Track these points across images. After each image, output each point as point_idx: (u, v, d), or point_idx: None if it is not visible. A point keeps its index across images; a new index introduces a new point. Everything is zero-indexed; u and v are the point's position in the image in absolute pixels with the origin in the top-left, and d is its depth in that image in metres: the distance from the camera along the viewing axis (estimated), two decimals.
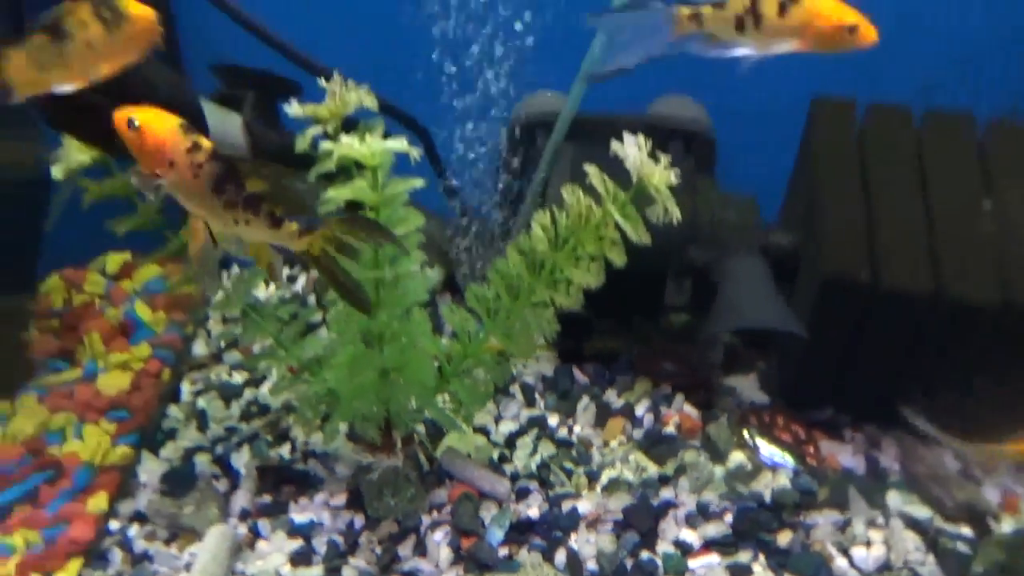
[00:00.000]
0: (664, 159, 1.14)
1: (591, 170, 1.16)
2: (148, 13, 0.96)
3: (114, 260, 1.80)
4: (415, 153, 1.14)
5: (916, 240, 1.32)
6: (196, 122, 1.11)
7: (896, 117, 1.46)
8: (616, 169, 1.14)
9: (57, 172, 1.15)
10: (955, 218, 1.34)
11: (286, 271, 1.90)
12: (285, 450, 1.42)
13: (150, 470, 1.39)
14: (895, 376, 1.39)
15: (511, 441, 1.44)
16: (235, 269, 1.89)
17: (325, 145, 1.14)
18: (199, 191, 0.96)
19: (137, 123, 0.93)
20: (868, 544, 1.29)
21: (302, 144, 1.21)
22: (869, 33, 1.16)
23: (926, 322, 1.33)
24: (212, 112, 1.17)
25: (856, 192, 1.38)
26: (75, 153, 1.15)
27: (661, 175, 1.12)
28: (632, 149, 1.14)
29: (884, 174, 1.39)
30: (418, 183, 1.16)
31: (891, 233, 1.33)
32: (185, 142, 0.94)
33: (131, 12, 0.95)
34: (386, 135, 1.24)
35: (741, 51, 1.17)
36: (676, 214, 1.12)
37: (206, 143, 0.95)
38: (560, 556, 1.25)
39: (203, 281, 1.03)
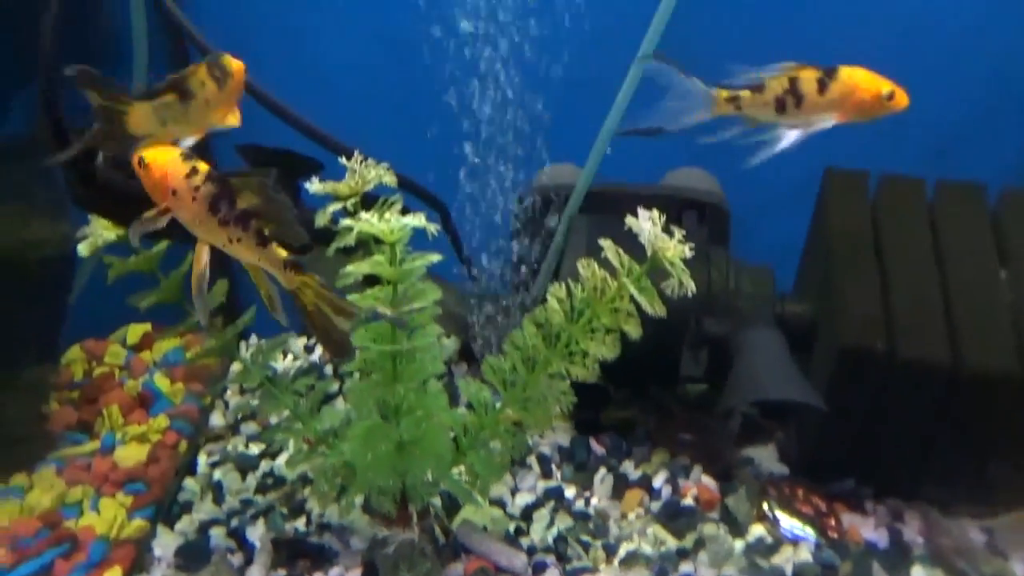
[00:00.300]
0: (678, 233, 1.15)
1: (606, 244, 1.18)
2: (242, 66, 1.05)
3: (135, 331, 1.83)
4: (432, 229, 1.16)
5: (933, 310, 1.33)
6: None
7: (909, 187, 1.48)
8: (631, 241, 1.16)
9: (83, 249, 1.18)
10: (971, 288, 1.34)
11: (303, 341, 1.92)
12: (300, 523, 1.42)
13: (165, 544, 1.38)
14: (917, 447, 1.38)
15: (528, 513, 1.43)
16: (253, 339, 1.92)
17: (345, 221, 1.16)
18: (199, 213, 1.00)
19: (145, 161, 1.01)
20: None
21: (322, 220, 1.24)
22: (902, 98, 1.19)
23: (946, 392, 1.32)
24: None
25: (871, 263, 1.39)
26: (101, 231, 1.18)
27: (675, 249, 1.13)
28: (646, 223, 1.15)
29: (899, 244, 1.40)
30: (435, 258, 1.18)
31: (908, 303, 1.34)
32: (184, 168, 1.00)
33: (233, 68, 1.04)
34: (404, 210, 1.27)
35: (783, 133, 1.20)
36: (691, 287, 1.13)
37: (202, 166, 1.01)
38: None
39: (199, 308, 1.06)
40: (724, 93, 1.21)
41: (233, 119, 1.07)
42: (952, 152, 1.71)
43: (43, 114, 0.91)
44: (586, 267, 1.20)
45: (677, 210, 1.65)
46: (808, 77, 1.21)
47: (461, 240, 1.68)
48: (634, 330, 1.17)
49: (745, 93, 1.20)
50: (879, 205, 1.46)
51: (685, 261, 1.13)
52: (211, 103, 1.04)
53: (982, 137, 1.71)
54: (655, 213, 1.17)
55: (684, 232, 1.16)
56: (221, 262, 1.93)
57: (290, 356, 1.85)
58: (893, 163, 1.51)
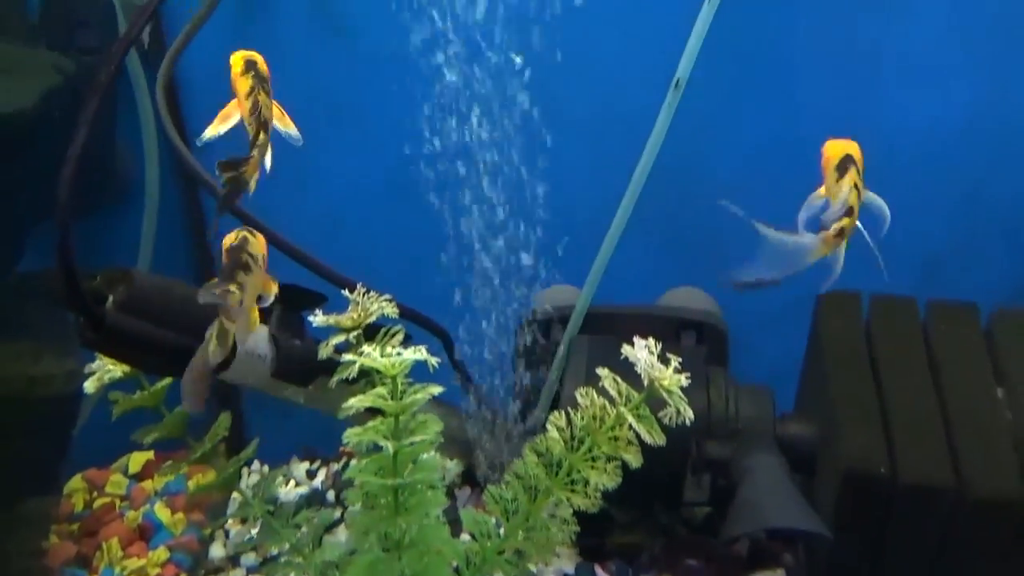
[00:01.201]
0: (674, 360, 1.17)
1: (603, 372, 1.19)
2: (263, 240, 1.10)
3: (136, 460, 1.83)
4: (433, 362, 1.18)
5: (934, 433, 1.33)
6: None
7: (901, 307, 1.50)
8: (630, 364, 1.17)
9: (89, 386, 1.20)
10: (971, 408, 1.35)
11: (306, 465, 1.91)
12: None
13: None
14: (925, 570, 1.35)
15: None
16: (255, 465, 1.92)
17: (347, 356, 1.18)
18: None
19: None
20: None
21: (325, 352, 1.26)
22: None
23: (950, 513, 1.30)
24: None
25: (869, 385, 1.39)
26: (108, 367, 1.20)
27: (672, 379, 1.15)
28: (642, 352, 1.17)
29: (895, 365, 1.41)
30: (436, 390, 1.20)
31: (908, 426, 1.34)
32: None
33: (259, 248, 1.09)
34: (407, 337, 1.30)
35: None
36: (689, 415, 1.14)
37: None
38: None
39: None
40: (832, 230, 1.21)
41: (271, 288, 1.11)
42: (939, 272, 1.75)
43: (56, 261, 0.94)
44: (585, 395, 1.21)
45: (675, 330, 1.68)
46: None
47: (464, 364, 1.70)
48: (634, 459, 1.17)
49: (846, 221, 1.21)
50: (873, 326, 1.48)
51: (683, 386, 1.15)
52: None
53: (968, 257, 1.75)
54: (651, 341, 1.19)
55: (683, 352, 1.18)
56: (224, 394, 1.95)
57: (292, 482, 1.84)
58: (881, 283, 1.55)
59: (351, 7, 1.72)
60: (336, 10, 1.73)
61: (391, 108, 1.73)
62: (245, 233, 1.09)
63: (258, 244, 1.10)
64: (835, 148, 1.29)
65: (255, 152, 1.05)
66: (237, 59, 1.14)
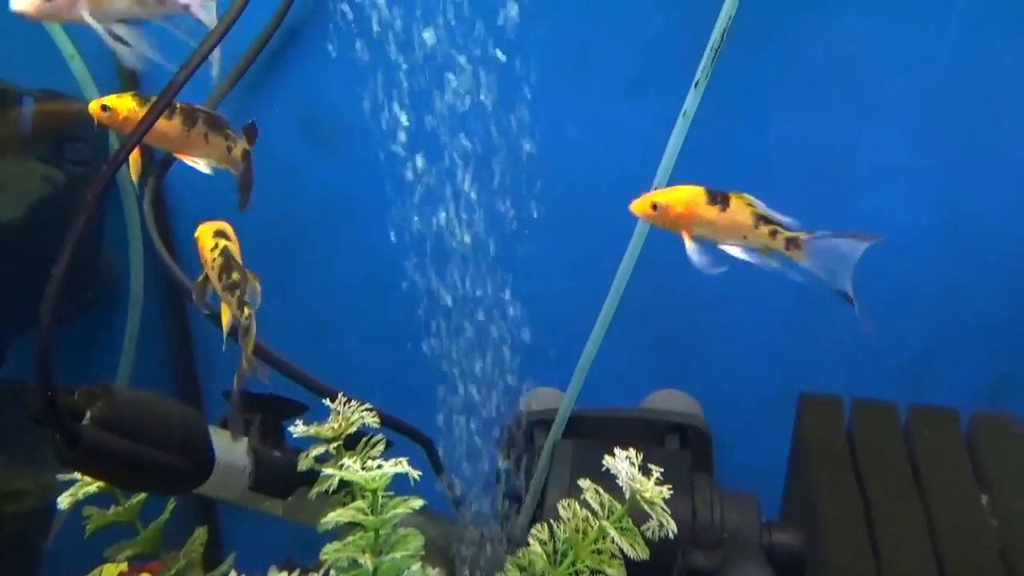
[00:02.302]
0: (656, 472, 1.16)
1: (585, 484, 1.19)
2: None
3: (109, 572, 1.77)
4: (414, 474, 1.18)
5: (920, 542, 1.31)
6: (203, 450, 1.16)
7: (882, 412, 1.51)
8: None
9: (63, 502, 1.18)
10: (956, 516, 1.34)
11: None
12: None
13: None
14: None
15: None
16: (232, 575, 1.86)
17: (327, 470, 1.17)
18: None
19: None
20: None
21: (304, 464, 1.25)
22: None
23: None
24: (219, 437, 1.22)
25: (853, 492, 1.39)
26: (83, 484, 1.19)
27: (654, 490, 1.14)
28: (623, 464, 1.17)
29: (879, 472, 1.41)
30: (418, 503, 1.19)
31: (894, 536, 1.33)
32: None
33: None
34: (388, 443, 1.29)
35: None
36: (672, 528, 1.13)
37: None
38: None
39: None
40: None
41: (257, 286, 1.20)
42: (918, 375, 1.77)
43: (37, 379, 0.94)
44: (567, 507, 1.20)
45: (660, 434, 1.67)
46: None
47: (447, 472, 1.68)
48: (618, 573, 1.15)
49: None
50: (856, 431, 1.48)
51: (668, 496, 1.14)
52: None
53: (946, 360, 1.77)
54: (632, 452, 1.18)
55: (668, 458, 1.17)
56: (204, 509, 1.92)
57: None
58: (862, 386, 1.56)
59: (336, 118, 1.77)
60: (323, 120, 1.78)
61: (374, 211, 1.76)
62: (223, 242, 1.13)
63: (234, 243, 1.15)
64: None
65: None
66: (204, 231, 1.23)
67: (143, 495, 1.24)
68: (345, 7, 1.55)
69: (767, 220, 1.18)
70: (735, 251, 1.20)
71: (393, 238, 1.64)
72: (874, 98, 1.64)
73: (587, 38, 1.67)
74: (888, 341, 1.75)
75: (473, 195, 1.61)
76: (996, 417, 1.48)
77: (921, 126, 1.65)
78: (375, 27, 1.47)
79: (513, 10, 1.50)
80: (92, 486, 1.19)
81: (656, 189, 1.48)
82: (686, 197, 1.19)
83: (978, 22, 1.58)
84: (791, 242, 1.18)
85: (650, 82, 1.67)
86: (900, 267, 1.73)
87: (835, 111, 1.68)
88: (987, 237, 1.71)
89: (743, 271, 1.79)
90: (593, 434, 1.61)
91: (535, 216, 1.59)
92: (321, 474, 1.20)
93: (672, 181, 1.47)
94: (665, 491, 1.15)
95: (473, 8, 1.50)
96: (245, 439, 1.27)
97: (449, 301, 1.68)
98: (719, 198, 1.19)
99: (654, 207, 1.19)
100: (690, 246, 1.20)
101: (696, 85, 1.43)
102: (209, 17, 1.18)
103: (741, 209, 1.19)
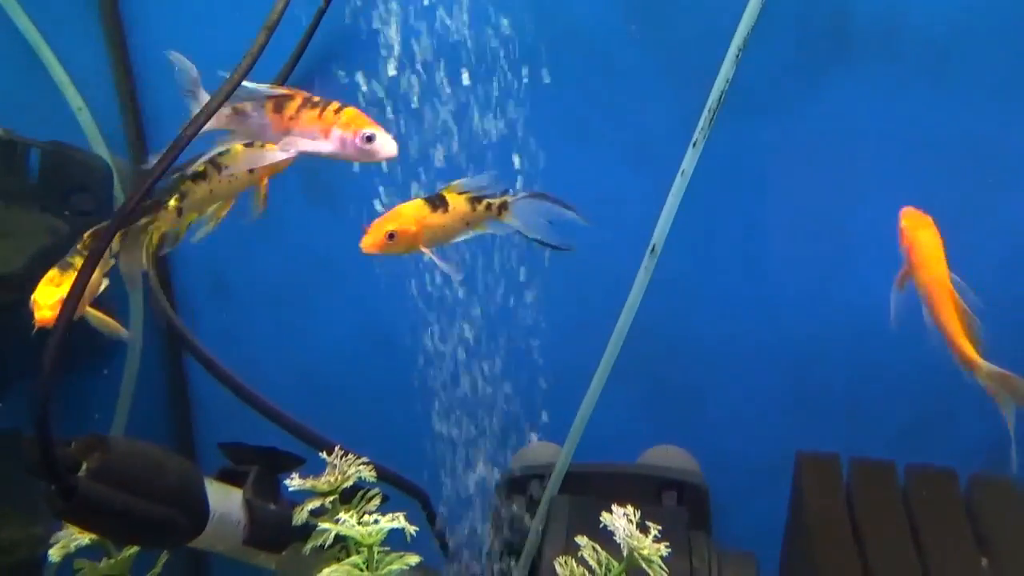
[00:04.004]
0: (654, 529, 1.16)
1: (582, 541, 1.18)
2: None
3: None
4: (411, 530, 1.17)
5: None
6: (199, 503, 1.16)
7: (880, 472, 1.50)
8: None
9: (54, 555, 1.17)
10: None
11: None
12: None
13: None
14: None
15: None
16: None
17: (322, 524, 1.17)
18: None
19: None
20: None
21: (300, 518, 1.24)
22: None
23: None
24: (215, 490, 1.21)
25: (853, 554, 1.37)
26: (74, 534, 1.18)
27: (651, 548, 1.14)
28: (621, 520, 1.16)
29: (878, 534, 1.39)
30: (414, 560, 1.18)
31: None
32: None
33: None
34: (384, 497, 1.28)
35: None
36: None
37: None
38: None
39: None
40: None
41: None
42: (916, 435, 1.77)
43: (35, 431, 0.94)
44: (563, 565, 1.19)
45: (656, 490, 1.66)
46: None
47: (443, 527, 1.67)
48: None
49: None
50: (854, 491, 1.47)
51: (665, 553, 1.13)
52: None
53: (943, 421, 1.77)
54: (630, 509, 1.18)
55: (665, 515, 1.17)
56: (196, 563, 1.89)
57: None
58: (859, 445, 1.56)
59: (336, 178, 1.80)
60: (324, 182, 1.81)
61: (372, 264, 1.78)
62: None
63: None
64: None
65: None
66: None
67: (135, 549, 1.23)
68: (342, 72, 1.59)
69: (478, 198, 1.22)
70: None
71: (391, 292, 1.65)
72: (867, 165, 1.67)
73: (588, 112, 1.70)
74: (887, 403, 1.76)
75: (471, 253, 1.63)
76: (995, 479, 1.47)
77: (913, 191, 1.67)
78: (380, 95, 1.51)
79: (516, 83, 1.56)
80: (84, 538, 1.17)
81: (654, 247, 1.51)
82: (414, 213, 1.19)
83: (969, 95, 1.62)
84: (501, 208, 1.24)
85: (650, 148, 1.71)
86: (897, 329, 1.74)
87: (832, 181, 1.70)
88: (983, 298, 1.72)
89: (741, 331, 1.81)
90: (590, 490, 1.59)
91: (533, 274, 1.61)
92: (316, 528, 1.19)
93: (669, 239, 1.49)
94: (663, 548, 1.14)
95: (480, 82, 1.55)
96: (239, 492, 1.26)
97: (448, 356, 1.69)
98: (438, 201, 1.20)
99: (391, 236, 1.17)
100: (444, 266, 1.23)
101: (694, 145, 1.46)
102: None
103: (459, 201, 1.21)
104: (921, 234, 1.43)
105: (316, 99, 1.11)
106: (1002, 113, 1.62)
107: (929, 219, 1.44)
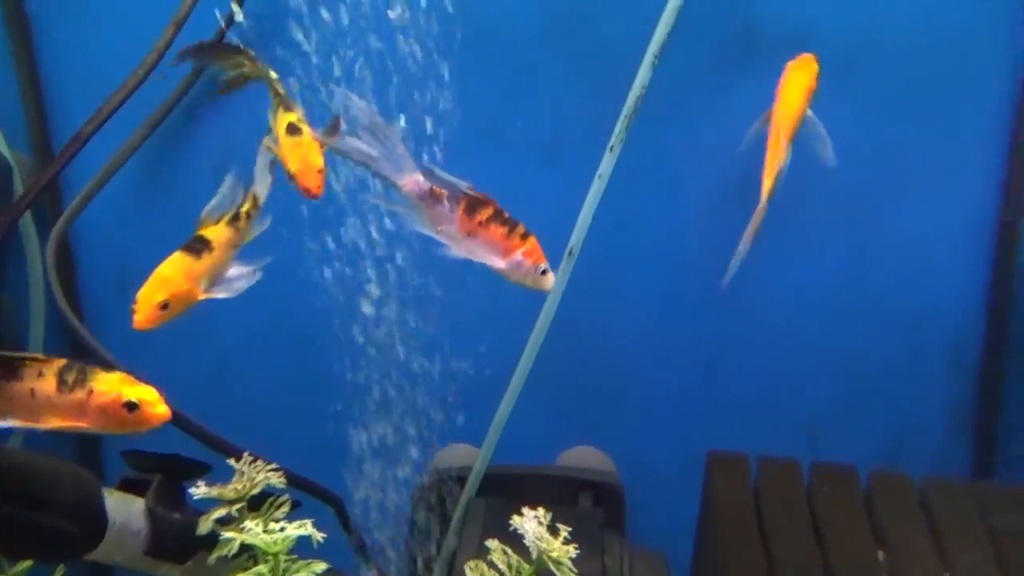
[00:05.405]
0: (564, 531, 1.17)
1: (493, 545, 1.18)
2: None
3: None
4: (318, 536, 1.15)
5: None
6: (95, 514, 1.12)
7: (786, 470, 1.55)
8: None
9: None
10: (853, 572, 1.37)
11: None
12: None
13: None
14: None
15: None
16: None
17: (227, 533, 1.14)
18: None
19: None
20: None
21: (205, 527, 1.21)
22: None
23: None
24: (114, 500, 1.17)
25: (757, 549, 1.41)
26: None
27: (560, 550, 1.14)
28: (531, 523, 1.17)
29: (782, 530, 1.44)
30: (321, 567, 1.16)
31: None
32: None
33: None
34: (295, 504, 1.26)
35: None
36: None
37: None
38: None
39: None
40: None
41: None
42: (821, 435, 1.82)
43: None
44: (474, 568, 1.19)
45: (573, 492, 1.67)
46: None
47: (358, 532, 1.65)
48: None
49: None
50: (761, 490, 1.51)
51: (578, 553, 1.14)
52: None
53: (847, 420, 1.83)
54: (541, 511, 1.18)
55: (580, 516, 1.17)
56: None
57: None
58: (769, 443, 1.60)
59: (245, 173, 1.75)
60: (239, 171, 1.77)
61: (284, 261, 1.75)
62: None
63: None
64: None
65: None
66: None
67: (28, 563, 1.18)
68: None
69: (235, 216, 1.20)
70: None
71: (304, 288, 1.62)
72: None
73: (502, 108, 1.70)
74: (795, 403, 1.81)
75: (389, 256, 1.61)
76: (892, 476, 1.53)
77: (820, 194, 1.73)
78: (293, 83, 1.48)
79: (430, 80, 1.54)
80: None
81: (571, 250, 1.51)
82: (179, 271, 1.12)
83: (873, 103, 1.67)
84: (247, 216, 1.22)
85: (564, 149, 1.72)
86: (804, 329, 1.80)
87: (741, 180, 1.74)
88: (884, 301, 1.79)
89: (656, 333, 1.84)
90: (508, 491, 1.60)
91: (451, 276, 1.60)
92: (221, 537, 1.16)
93: (586, 241, 1.51)
94: (572, 550, 1.15)
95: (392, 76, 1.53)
96: (141, 500, 1.23)
97: (363, 356, 1.67)
98: (198, 244, 1.16)
99: (164, 306, 1.11)
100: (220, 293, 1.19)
101: (611, 150, 1.48)
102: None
103: (218, 232, 1.18)
104: (794, 73, 1.49)
105: (506, 215, 1.14)
106: (904, 121, 1.69)
107: (815, 66, 1.49)
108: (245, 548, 1.21)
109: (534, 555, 1.15)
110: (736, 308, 1.79)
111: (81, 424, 0.99)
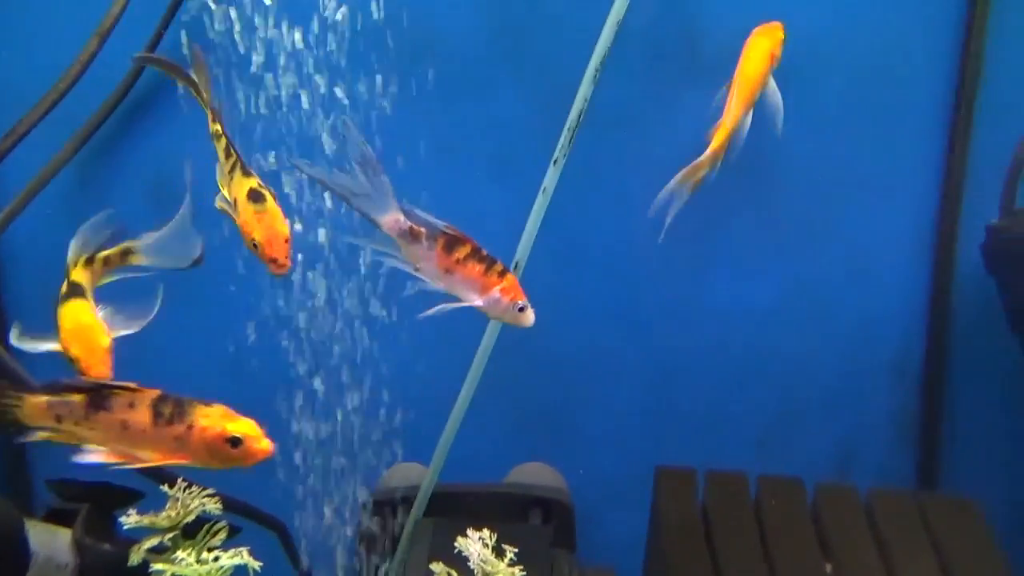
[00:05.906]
0: (510, 552, 1.14)
1: (437, 568, 1.15)
2: None
3: None
4: (255, 565, 1.11)
5: None
6: (16, 547, 1.07)
7: (733, 484, 1.55)
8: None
9: None
10: None
11: None
12: None
13: None
14: None
15: None
16: None
17: (157, 565, 1.10)
18: None
19: None
20: None
21: (136, 558, 1.16)
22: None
23: None
24: (39, 532, 1.12)
25: (706, 563, 1.41)
26: None
27: (506, 571, 1.12)
28: (475, 545, 1.14)
29: (729, 543, 1.43)
30: None
31: None
32: None
33: None
34: (233, 530, 1.22)
35: None
36: None
37: None
38: None
39: None
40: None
41: None
42: (767, 447, 1.83)
43: None
44: None
45: (523, 509, 1.66)
46: None
47: (299, 557, 1.61)
48: None
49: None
50: (708, 504, 1.51)
51: (524, 574, 1.12)
52: None
53: (793, 432, 1.84)
54: (486, 532, 1.16)
55: (529, 534, 1.15)
56: None
57: None
58: (718, 457, 1.60)
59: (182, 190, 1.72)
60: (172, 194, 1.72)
61: (225, 279, 1.70)
62: None
63: None
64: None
65: None
66: None
67: None
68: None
69: (89, 259, 1.23)
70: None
71: (243, 313, 1.58)
72: (721, 179, 1.72)
73: (450, 125, 1.69)
74: (739, 413, 1.81)
75: (335, 268, 1.58)
76: (838, 488, 1.54)
77: (763, 206, 1.74)
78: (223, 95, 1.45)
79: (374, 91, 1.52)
80: None
81: (517, 264, 1.50)
82: (88, 312, 1.19)
83: (813, 116, 1.69)
84: (124, 254, 1.26)
85: (511, 163, 1.70)
86: (749, 341, 1.80)
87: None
88: (828, 312, 1.80)
89: (604, 347, 1.83)
90: (457, 510, 1.58)
91: (397, 290, 1.58)
92: (151, 569, 1.12)
93: (532, 255, 1.49)
94: (517, 572, 1.13)
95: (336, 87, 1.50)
96: (68, 532, 1.18)
97: (308, 376, 1.63)
98: (72, 291, 1.20)
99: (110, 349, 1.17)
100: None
101: (555, 163, 1.47)
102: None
103: (82, 274, 1.21)
104: (758, 38, 1.49)
105: (484, 253, 1.14)
106: (844, 132, 1.71)
107: (780, 34, 1.50)
108: None
109: None
110: (683, 322, 1.79)
111: (178, 459, 0.98)
